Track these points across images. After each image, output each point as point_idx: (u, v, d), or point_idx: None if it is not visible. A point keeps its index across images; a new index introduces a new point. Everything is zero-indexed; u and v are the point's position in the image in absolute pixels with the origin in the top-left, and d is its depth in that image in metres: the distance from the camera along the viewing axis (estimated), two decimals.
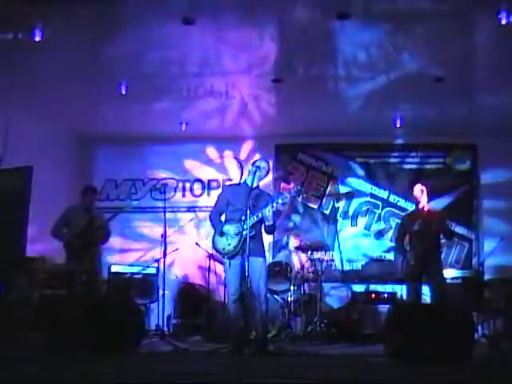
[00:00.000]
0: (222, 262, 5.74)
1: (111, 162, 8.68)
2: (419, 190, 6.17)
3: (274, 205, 5.02)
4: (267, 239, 5.82)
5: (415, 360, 4.06)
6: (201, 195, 8.66)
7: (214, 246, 5.19)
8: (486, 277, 7.05)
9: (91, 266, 6.29)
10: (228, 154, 8.61)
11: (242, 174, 8.35)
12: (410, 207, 7.49)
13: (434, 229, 6.03)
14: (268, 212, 5.00)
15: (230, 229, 5.09)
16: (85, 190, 6.66)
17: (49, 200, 7.15)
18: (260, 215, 5.02)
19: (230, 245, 5.06)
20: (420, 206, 6.16)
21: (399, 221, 7.05)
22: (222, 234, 5.12)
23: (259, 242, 5.15)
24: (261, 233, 5.19)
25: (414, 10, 5.02)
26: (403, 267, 6.08)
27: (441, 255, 6.20)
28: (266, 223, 5.08)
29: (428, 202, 6.25)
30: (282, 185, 8.40)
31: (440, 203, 7.85)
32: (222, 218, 5.27)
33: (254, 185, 5.14)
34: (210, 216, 5.38)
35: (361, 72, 6.32)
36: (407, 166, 8.31)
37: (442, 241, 6.27)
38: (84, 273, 6.21)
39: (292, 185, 8.18)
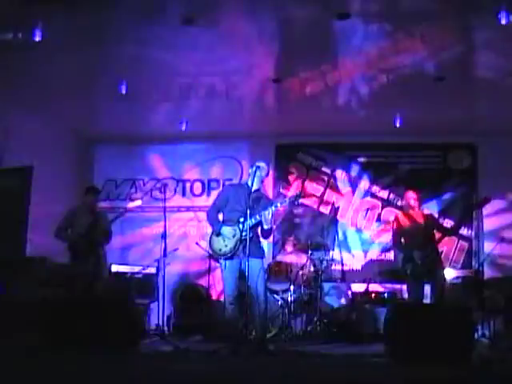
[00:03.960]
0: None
1: (111, 161, 8.69)
2: (411, 198, 6.23)
3: (273, 208, 5.01)
4: (267, 240, 5.82)
5: (415, 360, 4.06)
6: (201, 195, 8.67)
7: (211, 246, 5.18)
8: (486, 277, 7.05)
9: (96, 267, 6.29)
10: (228, 153, 8.61)
11: (241, 174, 8.36)
12: None
13: (430, 228, 6.07)
14: (267, 215, 4.99)
15: (227, 230, 5.08)
16: (87, 190, 6.67)
17: (49, 200, 7.15)
18: (258, 218, 5.01)
19: (226, 246, 5.05)
20: (411, 211, 6.21)
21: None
22: (218, 234, 5.11)
23: (257, 244, 5.14)
24: (258, 235, 5.18)
25: (414, 9, 5.02)
26: (405, 267, 6.06)
27: (440, 255, 6.19)
28: (264, 226, 5.06)
29: (426, 203, 6.28)
30: (282, 185, 8.43)
31: (440, 203, 7.85)
32: (220, 217, 5.26)
33: (256, 186, 5.15)
34: (207, 212, 5.37)
35: (361, 72, 6.33)
36: (407, 166, 8.31)
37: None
38: (88, 273, 6.21)
39: (291, 188, 8.23)
